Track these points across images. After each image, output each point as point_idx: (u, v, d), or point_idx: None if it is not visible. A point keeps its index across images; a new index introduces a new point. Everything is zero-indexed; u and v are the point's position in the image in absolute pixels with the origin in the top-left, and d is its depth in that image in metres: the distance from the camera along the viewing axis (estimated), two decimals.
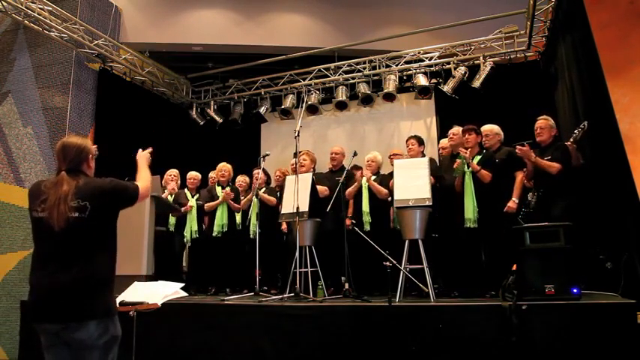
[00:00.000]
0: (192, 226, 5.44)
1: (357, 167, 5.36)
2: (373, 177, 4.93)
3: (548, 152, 4.00)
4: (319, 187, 4.87)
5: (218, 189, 5.59)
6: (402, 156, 5.03)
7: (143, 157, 2.46)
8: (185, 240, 5.45)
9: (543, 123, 4.10)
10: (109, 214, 2.05)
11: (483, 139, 4.38)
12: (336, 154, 5.32)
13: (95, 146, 2.22)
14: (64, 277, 1.91)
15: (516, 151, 4.00)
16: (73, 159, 2.07)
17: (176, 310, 3.74)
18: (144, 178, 2.27)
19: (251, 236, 5.30)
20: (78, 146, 2.10)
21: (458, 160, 4.23)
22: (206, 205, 5.49)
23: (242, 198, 5.57)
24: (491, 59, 6.07)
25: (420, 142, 4.86)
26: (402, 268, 3.83)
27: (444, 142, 4.93)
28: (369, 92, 6.61)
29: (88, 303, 1.92)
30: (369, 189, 4.83)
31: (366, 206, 4.77)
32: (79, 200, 1.96)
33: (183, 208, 5.37)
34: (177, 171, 5.79)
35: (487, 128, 4.41)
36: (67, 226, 1.93)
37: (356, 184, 4.89)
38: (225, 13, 6.93)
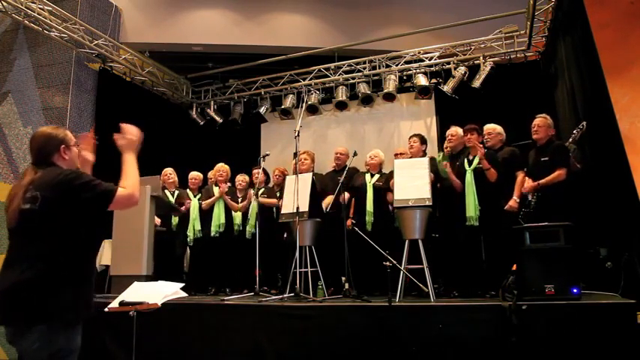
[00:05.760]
0: (194, 225, 5.44)
1: (355, 168, 5.35)
2: (376, 175, 4.92)
3: (545, 152, 3.99)
4: (326, 199, 4.87)
5: (215, 189, 5.59)
6: (405, 154, 5.02)
7: (131, 142, 2.03)
8: (188, 239, 5.45)
9: (541, 121, 4.09)
10: (64, 208, 1.78)
11: (485, 137, 4.38)
12: (340, 154, 5.33)
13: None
14: (11, 277, 1.74)
15: (523, 191, 4.00)
16: (40, 150, 1.91)
17: (176, 310, 3.74)
18: (131, 181, 1.91)
19: (247, 237, 5.31)
20: (45, 136, 1.93)
21: (445, 162, 4.25)
22: (203, 202, 5.49)
23: (239, 197, 5.56)
24: (492, 59, 6.07)
25: (423, 141, 4.86)
26: (402, 268, 3.84)
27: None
28: (369, 92, 6.61)
29: (31, 305, 1.70)
30: (374, 189, 4.82)
31: (370, 206, 4.76)
32: (32, 190, 1.79)
33: (183, 207, 5.37)
34: (173, 169, 5.78)
35: (489, 127, 4.42)
36: (17, 220, 1.77)
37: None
38: (225, 13, 6.93)
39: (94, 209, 1.85)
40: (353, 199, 5.05)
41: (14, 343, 1.76)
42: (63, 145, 1.94)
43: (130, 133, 2.05)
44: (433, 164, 4.47)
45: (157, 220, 5.24)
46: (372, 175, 4.95)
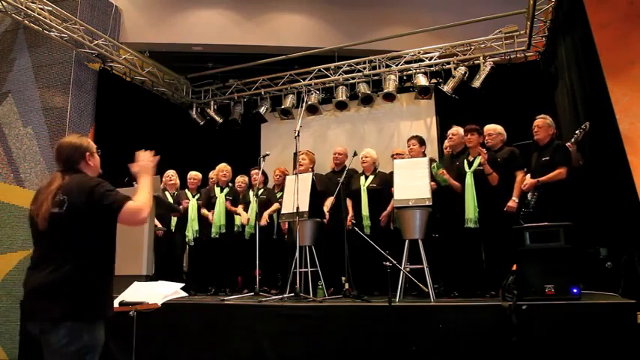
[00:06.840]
0: (193, 226, 5.45)
1: (354, 170, 5.33)
2: (371, 177, 4.92)
3: (546, 152, 3.99)
4: (327, 202, 4.84)
5: (217, 190, 5.60)
6: (404, 155, 5.02)
7: (144, 167, 2.16)
8: (187, 240, 5.46)
9: (540, 122, 4.11)
10: (87, 213, 1.92)
11: (486, 138, 4.38)
12: (339, 154, 5.33)
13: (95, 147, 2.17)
14: (40, 277, 1.88)
15: (522, 188, 4.00)
16: (68, 158, 2.07)
17: (176, 310, 3.74)
18: (142, 198, 2.00)
19: (246, 237, 5.30)
20: (72, 145, 2.09)
21: (441, 171, 4.24)
22: (202, 211, 5.52)
23: (240, 198, 5.56)
24: (492, 59, 6.07)
25: (421, 142, 4.85)
26: (402, 268, 3.84)
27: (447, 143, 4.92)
28: (369, 92, 6.61)
29: (58, 304, 1.84)
30: (368, 192, 4.81)
31: (365, 210, 4.74)
32: (60, 195, 1.93)
33: (181, 207, 5.38)
34: (175, 171, 5.78)
35: (490, 128, 4.42)
36: (48, 223, 1.91)
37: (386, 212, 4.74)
38: (225, 13, 6.93)
39: (108, 216, 1.95)
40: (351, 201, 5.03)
41: (41, 339, 1.88)
42: (88, 153, 2.11)
43: (143, 159, 2.19)
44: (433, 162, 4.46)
45: (158, 225, 5.25)
46: (367, 177, 4.94)
